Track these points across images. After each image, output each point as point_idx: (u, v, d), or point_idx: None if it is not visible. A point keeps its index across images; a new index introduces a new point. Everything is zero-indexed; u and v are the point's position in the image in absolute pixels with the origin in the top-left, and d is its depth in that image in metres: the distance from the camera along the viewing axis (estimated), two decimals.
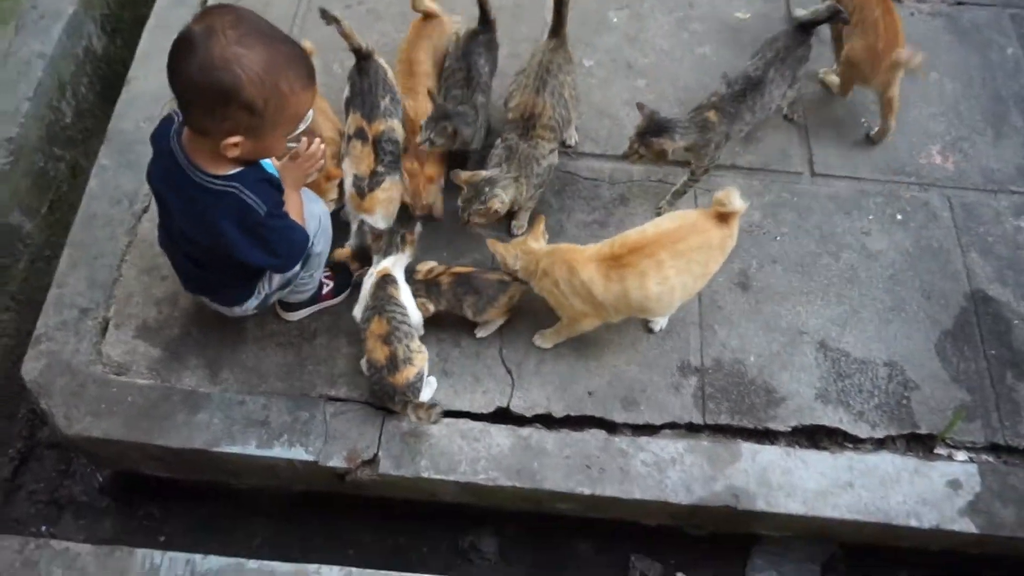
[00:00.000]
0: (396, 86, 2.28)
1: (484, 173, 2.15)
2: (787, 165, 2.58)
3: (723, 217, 1.94)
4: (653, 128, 2.17)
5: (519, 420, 2.11)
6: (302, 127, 1.90)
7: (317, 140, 1.89)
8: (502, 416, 2.11)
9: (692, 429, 2.15)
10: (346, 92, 2.26)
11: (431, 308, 2.10)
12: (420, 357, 1.96)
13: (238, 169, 1.65)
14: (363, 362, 2.00)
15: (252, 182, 1.66)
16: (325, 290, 2.20)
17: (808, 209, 2.49)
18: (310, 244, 1.91)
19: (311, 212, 1.91)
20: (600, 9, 2.88)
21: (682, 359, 2.23)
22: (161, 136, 1.70)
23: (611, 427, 2.13)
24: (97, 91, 2.80)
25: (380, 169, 2.14)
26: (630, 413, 2.13)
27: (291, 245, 1.79)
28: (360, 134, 2.16)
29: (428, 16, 2.49)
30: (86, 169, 2.63)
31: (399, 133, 2.22)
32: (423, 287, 2.11)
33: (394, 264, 2.04)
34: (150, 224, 2.26)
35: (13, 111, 2.41)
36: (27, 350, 2.10)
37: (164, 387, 2.06)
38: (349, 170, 2.17)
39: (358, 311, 2.03)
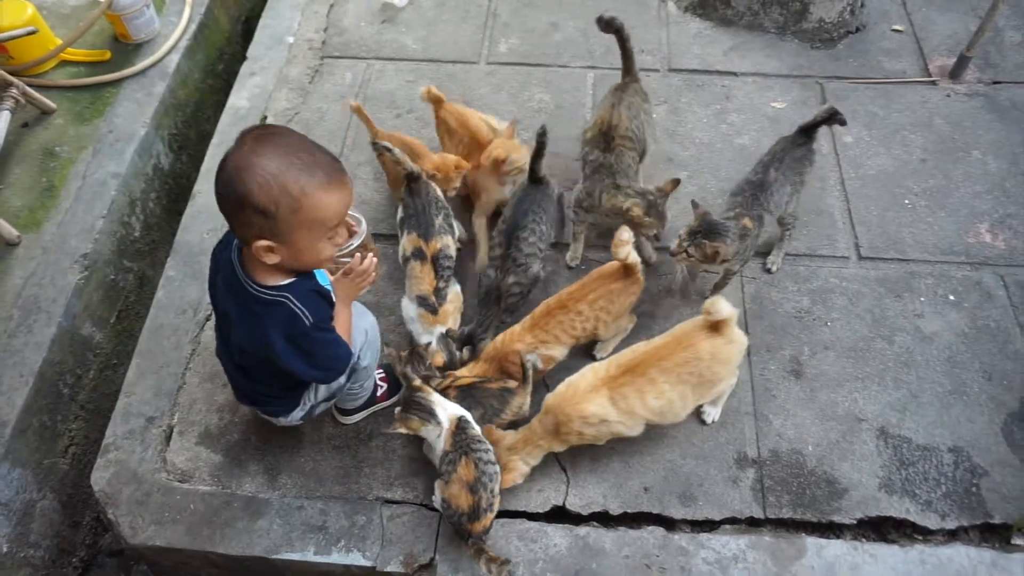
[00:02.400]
0: (446, 203, 2.39)
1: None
2: (833, 250, 2.57)
3: (715, 326, 1.96)
4: (706, 230, 2.15)
5: (576, 519, 2.08)
6: (356, 242, 1.99)
7: (371, 255, 1.95)
8: (558, 515, 2.09)
9: (753, 524, 2.08)
10: (400, 213, 2.37)
11: None
12: (498, 501, 1.95)
13: (290, 280, 1.71)
14: (439, 496, 1.95)
15: (302, 292, 1.71)
16: (380, 391, 2.23)
17: (858, 293, 2.47)
18: (355, 358, 1.95)
19: (358, 326, 1.96)
20: None
21: (738, 451, 2.18)
22: (222, 249, 1.79)
23: (669, 524, 2.08)
24: (163, 205, 2.97)
25: (441, 285, 2.23)
26: (688, 508, 2.09)
27: (333, 360, 1.83)
28: (418, 254, 2.25)
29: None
30: (152, 279, 2.77)
31: (452, 249, 2.31)
32: None
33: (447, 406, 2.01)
34: (211, 332, 2.35)
35: (89, 228, 2.56)
36: (96, 459, 2.15)
37: (225, 493, 2.09)
38: (411, 291, 2.26)
39: (433, 454, 2.02)
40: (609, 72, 3.07)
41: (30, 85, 2.77)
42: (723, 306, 1.92)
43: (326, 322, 1.77)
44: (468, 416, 1.98)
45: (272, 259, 1.61)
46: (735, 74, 3.09)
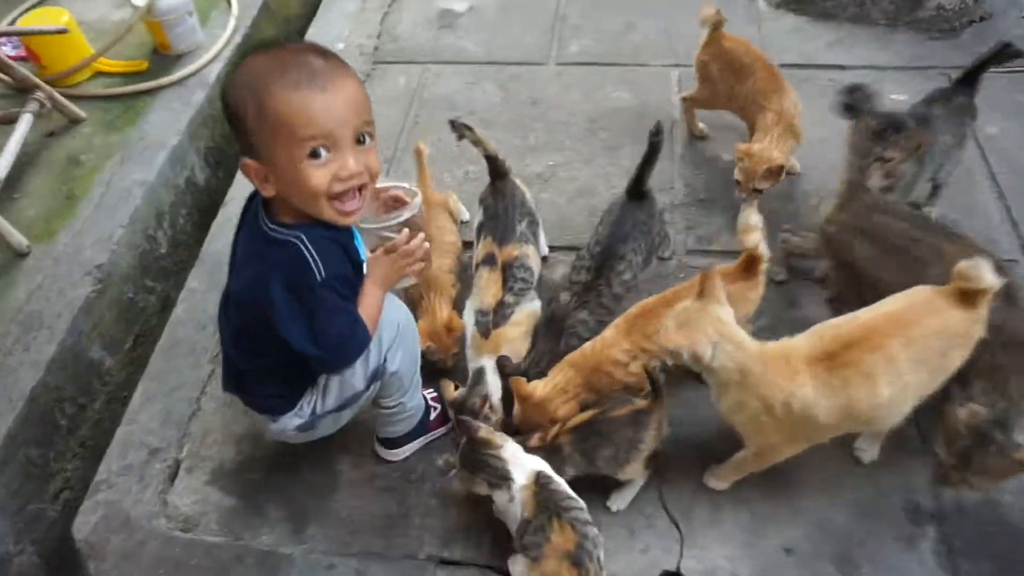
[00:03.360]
0: (535, 208, 2.00)
1: None
2: (996, 251, 2.05)
3: (968, 297, 1.43)
4: (889, 125, 1.80)
5: None
6: (404, 215, 1.57)
7: (421, 235, 1.53)
8: None
9: None
10: (479, 217, 1.98)
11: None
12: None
13: (308, 224, 1.35)
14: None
15: (318, 237, 1.34)
16: (432, 415, 1.77)
17: None
18: (381, 359, 1.52)
19: (389, 319, 1.52)
20: None
21: (908, 500, 1.64)
22: (253, 200, 1.46)
23: None
24: (195, 221, 2.63)
25: (509, 299, 1.79)
26: None
27: (341, 336, 1.39)
28: (489, 260, 1.85)
29: None
30: (177, 302, 2.40)
31: (533, 261, 1.89)
32: (543, 458, 1.59)
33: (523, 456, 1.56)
34: None
35: (106, 238, 2.23)
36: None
37: (237, 546, 1.64)
38: (472, 306, 1.86)
39: (506, 518, 1.55)
40: (691, 68, 2.68)
41: (61, 95, 2.52)
42: (987, 272, 1.41)
43: (343, 285, 1.37)
44: (548, 469, 1.51)
45: (269, 189, 1.32)
46: (842, 67, 2.68)
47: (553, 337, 1.79)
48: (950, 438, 1.50)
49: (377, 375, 1.55)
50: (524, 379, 1.67)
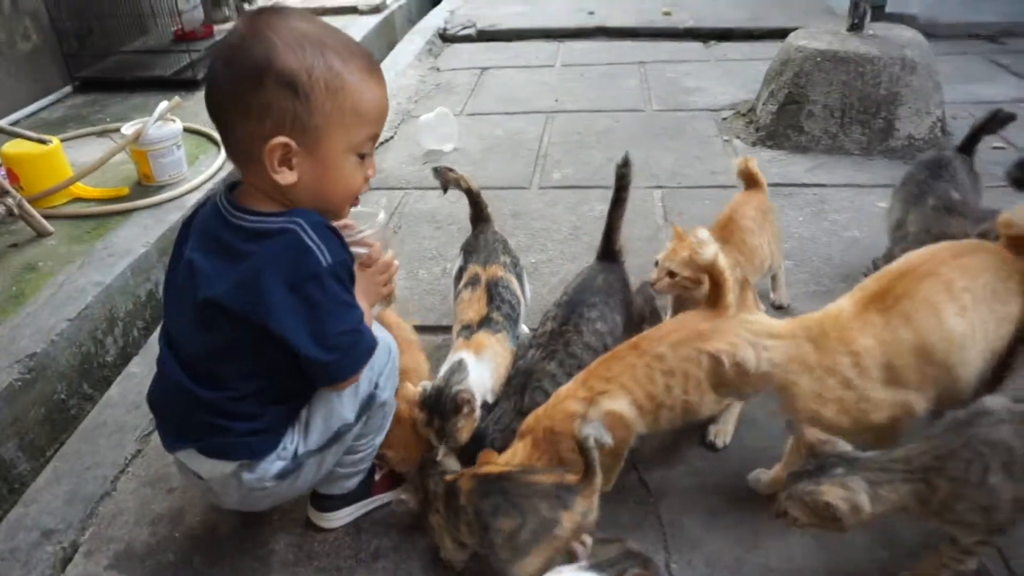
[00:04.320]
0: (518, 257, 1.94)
1: None
2: None
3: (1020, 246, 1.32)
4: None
5: None
6: (372, 230, 1.46)
7: (391, 252, 1.42)
8: None
9: None
10: (458, 262, 1.90)
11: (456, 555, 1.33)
12: None
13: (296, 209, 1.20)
14: None
15: (316, 223, 1.17)
16: (378, 476, 1.50)
17: None
18: (374, 386, 1.31)
19: (381, 339, 1.33)
20: None
21: None
22: (201, 210, 1.29)
23: None
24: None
25: (494, 316, 1.65)
26: None
27: (351, 336, 1.20)
28: (473, 280, 1.76)
29: None
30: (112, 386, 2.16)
31: (518, 293, 1.78)
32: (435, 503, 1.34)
33: None
34: None
35: (47, 329, 2.06)
36: None
37: None
38: (455, 325, 1.72)
39: None
40: (677, 190, 2.72)
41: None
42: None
43: (346, 273, 1.20)
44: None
45: (288, 176, 1.15)
46: (824, 185, 2.71)
47: (517, 392, 1.56)
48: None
49: (367, 405, 1.33)
50: (491, 451, 1.43)
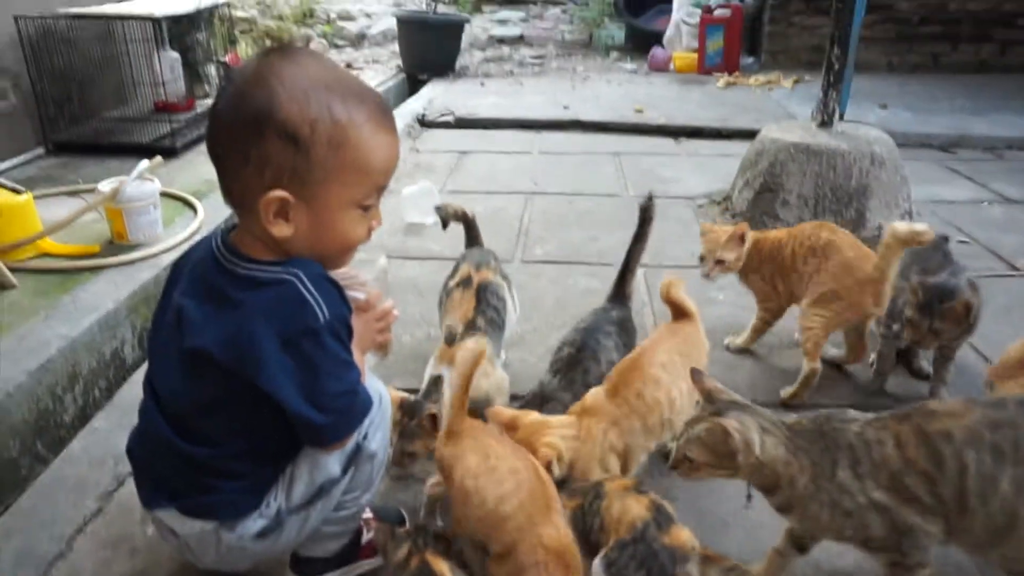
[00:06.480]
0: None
1: None
2: None
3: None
4: (938, 294, 1.82)
5: None
6: (370, 276, 1.43)
7: (389, 300, 1.39)
8: None
9: None
10: (449, 280, 2.01)
11: None
12: None
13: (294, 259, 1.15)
14: None
15: (316, 275, 1.14)
16: (364, 538, 1.42)
17: None
18: (362, 436, 1.26)
19: (370, 386, 1.27)
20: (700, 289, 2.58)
21: None
22: (194, 249, 1.25)
23: None
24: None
25: (480, 322, 1.72)
26: None
27: (346, 396, 1.15)
28: (465, 282, 1.90)
29: None
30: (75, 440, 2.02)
31: (507, 298, 1.91)
32: None
33: None
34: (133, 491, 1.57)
35: (4, 380, 1.94)
36: None
37: None
38: (442, 321, 1.89)
39: None
40: (659, 268, 2.76)
41: None
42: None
43: (344, 329, 1.15)
44: None
45: (283, 229, 1.11)
46: None
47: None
48: None
49: (354, 457, 1.26)
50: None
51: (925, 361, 2.10)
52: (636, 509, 1.23)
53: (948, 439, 1.16)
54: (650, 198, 1.85)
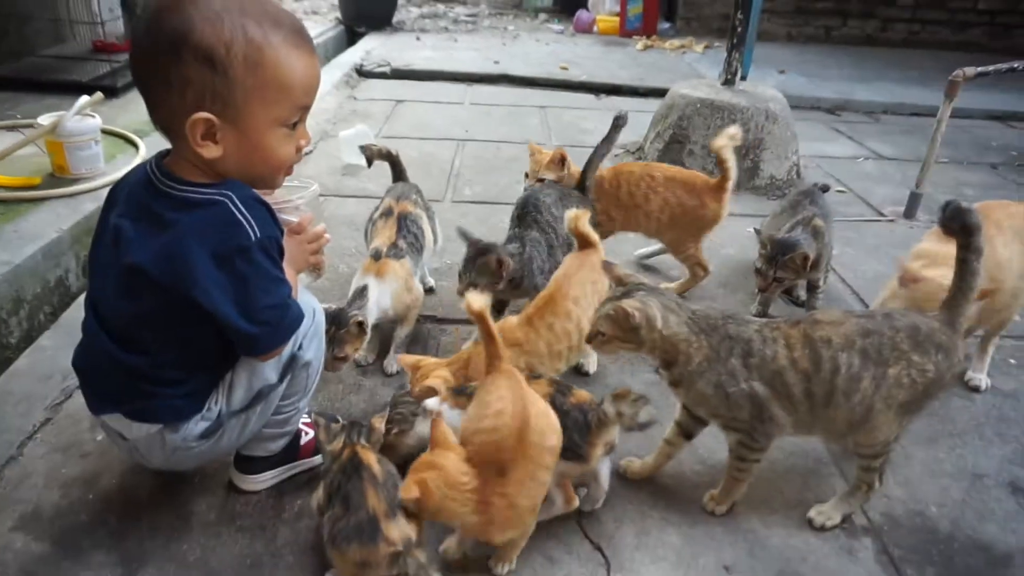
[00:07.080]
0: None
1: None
2: None
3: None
4: (780, 248, 1.93)
5: None
6: (304, 200, 1.43)
7: (322, 224, 1.40)
8: None
9: None
10: (374, 213, 2.03)
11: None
12: None
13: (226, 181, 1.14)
14: None
15: (248, 196, 1.13)
16: (304, 440, 1.45)
17: None
18: (297, 347, 1.27)
19: (305, 302, 1.29)
20: None
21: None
22: (130, 175, 1.21)
23: None
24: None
25: (401, 244, 1.82)
26: None
27: (277, 309, 1.16)
28: (387, 212, 1.93)
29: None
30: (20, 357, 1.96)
31: (425, 228, 1.98)
32: None
33: None
34: (81, 400, 1.55)
35: None
36: None
37: None
38: (369, 247, 1.92)
39: None
40: None
41: None
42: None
43: (275, 248, 1.14)
44: None
45: (212, 151, 1.08)
46: None
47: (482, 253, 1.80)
48: None
49: (290, 366, 1.27)
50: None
51: (802, 291, 2.24)
52: (542, 390, 1.30)
53: (828, 344, 1.27)
54: (622, 116, 2.19)
